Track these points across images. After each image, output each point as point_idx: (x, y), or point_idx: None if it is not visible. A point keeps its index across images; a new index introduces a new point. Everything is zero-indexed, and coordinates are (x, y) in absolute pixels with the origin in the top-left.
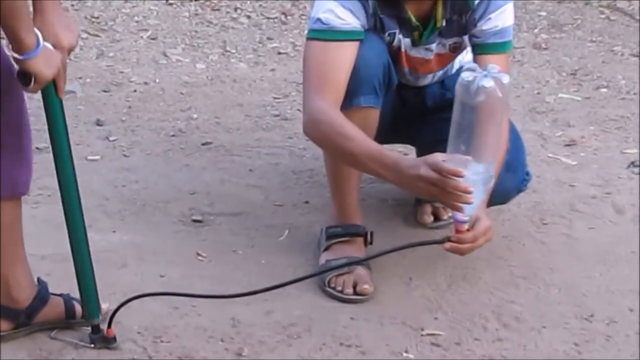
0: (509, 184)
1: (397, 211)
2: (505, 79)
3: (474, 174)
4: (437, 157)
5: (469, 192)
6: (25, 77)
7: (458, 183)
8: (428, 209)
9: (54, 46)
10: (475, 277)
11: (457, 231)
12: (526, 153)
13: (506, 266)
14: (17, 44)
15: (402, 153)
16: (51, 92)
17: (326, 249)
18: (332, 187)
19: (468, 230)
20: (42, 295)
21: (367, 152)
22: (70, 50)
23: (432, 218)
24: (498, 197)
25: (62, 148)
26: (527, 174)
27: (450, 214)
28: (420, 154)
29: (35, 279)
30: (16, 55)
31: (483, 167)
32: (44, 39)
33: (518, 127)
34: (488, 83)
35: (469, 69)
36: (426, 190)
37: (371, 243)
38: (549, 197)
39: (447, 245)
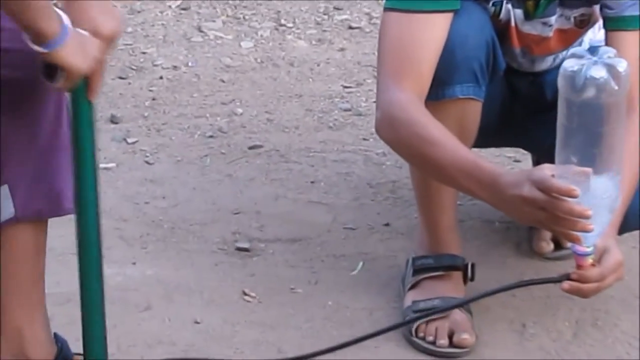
0: None
1: (507, 237)
2: (622, 65)
3: (594, 193)
4: (545, 171)
5: (587, 217)
6: (51, 71)
7: (572, 206)
8: (547, 234)
9: (91, 34)
10: (609, 323)
11: (579, 267)
12: None
13: None
14: (36, 36)
15: (513, 159)
16: (80, 92)
17: (413, 286)
18: (420, 205)
19: (593, 265)
20: (64, 356)
21: (457, 163)
22: (112, 39)
23: (552, 246)
24: (636, 220)
25: (85, 165)
26: None
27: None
28: (538, 162)
29: (52, 334)
30: (38, 48)
31: (605, 182)
32: (77, 25)
33: None
34: (599, 73)
35: (574, 55)
36: (532, 215)
37: (472, 279)
38: None
39: (566, 285)
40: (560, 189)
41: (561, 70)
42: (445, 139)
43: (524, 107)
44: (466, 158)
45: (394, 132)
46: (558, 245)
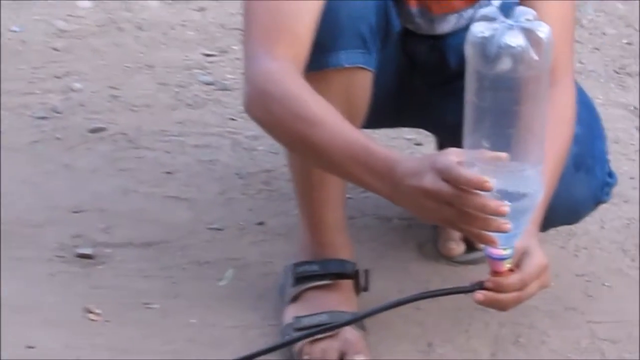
0: (580, 191)
1: (408, 236)
2: (544, 31)
3: (511, 184)
4: (451, 157)
5: (503, 214)
6: None
7: (484, 200)
8: (456, 233)
9: None
10: (534, 341)
11: (495, 273)
12: (607, 141)
13: (583, 322)
14: None
15: (413, 142)
16: None
17: (294, 298)
18: (301, 199)
19: (511, 270)
20: None
21: (344, 147)
22: None
23: (462, 247)
24: (563, 213)
25: None
26: (611, 174)
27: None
28: (442, 145)
29: None
30: None
31: (525, 170)
32: None
33: (597, 99)
34: (515, 40)
35: (484, 17)
36: (436, 212)
37: (366, 289)
38: None
39: (480, 295)
40: (469, 179)
41: (469, 36)
42: (329, 118)
43: (423, 78)
44: (355, 141)
45: (266, 110)
46: (470, 247)
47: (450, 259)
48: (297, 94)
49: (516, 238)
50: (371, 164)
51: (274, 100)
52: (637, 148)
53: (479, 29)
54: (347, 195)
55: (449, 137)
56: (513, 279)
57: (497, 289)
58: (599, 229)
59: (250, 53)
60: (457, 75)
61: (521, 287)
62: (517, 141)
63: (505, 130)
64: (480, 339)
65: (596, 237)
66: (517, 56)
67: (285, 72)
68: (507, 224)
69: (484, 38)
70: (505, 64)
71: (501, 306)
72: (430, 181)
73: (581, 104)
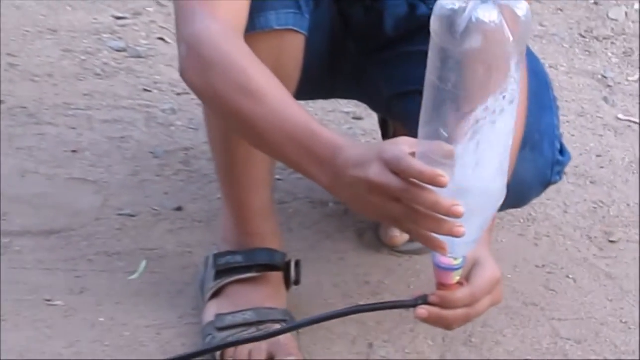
0: (525, 171)
1: (345, 223)
2: (522, 8)
3: (469, 181)
4: (402, 147)
5: (458, 215)
6: None
7: (437, 198)
8: None
9: None
10: (488, 341)
11: (441, 285)
12: (558, 113)
13: (544, 320)
14: None
15: (352, 116)
16: None
17: (216, 294)
18: (224, 181)
19: (460, 283)
20: None
21: (285, 126)
22: None
23: (406, 235)
24: (507, 195)
25: None
26: (562, 151)
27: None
28: (384, 121)
29: None
30: None
31: (487, 166)
32: None
33: (560, 67)
34: (488, 15)
35: None
36: (381, 209)
37: (297, 282)
38: (620, 195)
39: (422, 312)
40: (422, 172)
41: (436, 8)
42: (273, 91)
43: (357, 43)
44: (297, 120)
45: (204, 78)
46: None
47: (392, 249)
48: (240, 63)
49: (470, 247)
50: (312, 147)
51: (213, 67)
52: (605, 122)
53: (448, 0)
54: (277, 176)
55: (386, 111)
56: (462, 293)
57: (444, 304)
58: (562, 214)
59: (187, 12)
60: (393, 43)
61: (470, 303)
62: None
63: (468, 118)
64: (427, 340)
65: (559, 223)
66: (489, 33)
67: (228, 35)
68: (461, 227)
69: (453, 11)
70: (474, 42)
71: (446, 324)
72: (376, 172)
73: (528, 71)
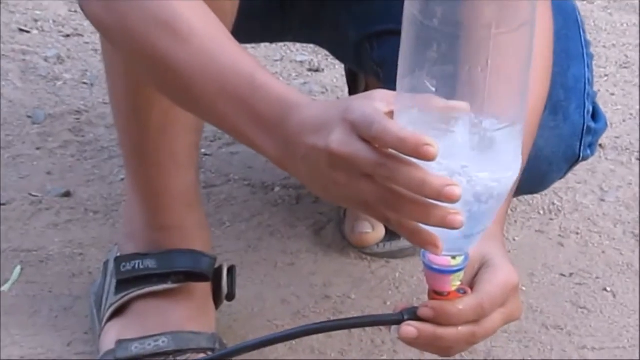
0: (545, 141)
1: (297, 215)
2: None
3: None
4: (375, 104)
5: (452, 198)
6: None
7: (423, 174)
8: (362, 216)
9: None
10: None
11: (435, 294)
12: (592, 61)
13: (572, 349)
14: None
15: (307, 67)
16: None
17: (119, 312)
18: (130, 155)
19: (457, 294)
20: None
21: (219, 77)
22: None
23: (381, 231)
24: (524, 176)
25: None
26: (596, 115)
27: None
28: (350, 72)
29: None
30: None
31: (498, 131)
32: None
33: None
34: None
35: None
36: (347, 188)
37: (230, 296)
38: None
39: (409, 330)
40: (403, 139)
41: None
42: (204, 26)
43: None
44: (236, 67)
45: (113, 7)
46: (390, 233)
47: (362, 250)
48: None
49: (473, 241)
50: (255, 105)
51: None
52: None
53: None
54: (203, 150)
55: (353, 59)
56: (465, 304)
57: (440, 319)
58: (597, 203)
59: None
60: None
61: (477, 317)
62: (482, 84)
63: (463, 66)
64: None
65: (592, 216)
66: None
67: None
68: (457, 215)
69: None
70: None
71: (443, 348)
72: (340, 140)
73: (553, 7)
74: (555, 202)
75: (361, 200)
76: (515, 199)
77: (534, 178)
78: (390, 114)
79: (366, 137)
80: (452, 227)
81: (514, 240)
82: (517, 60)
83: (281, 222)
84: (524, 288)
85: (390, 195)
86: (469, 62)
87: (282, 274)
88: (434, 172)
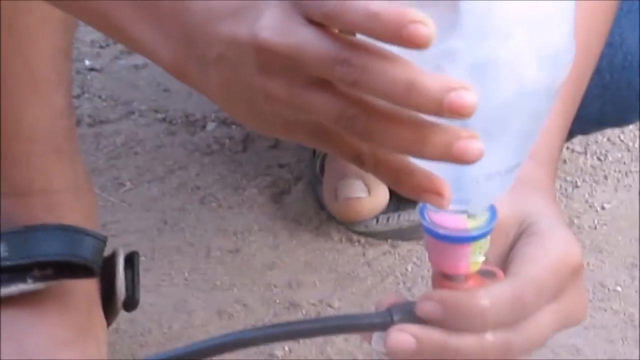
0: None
1: (243, 168)
2: None
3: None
4: None
5: (466, 111)
6: None
7: (412, 72)
8: (357, 172)
9: None
10: None
11: (443, 279)
12: None
13: None
14: None
15: None
16: None
17: None
18: None
19: (481, 278)
20: None
21: None
22: None
23: (380, 199)
24: (585, 114)
25: None
26: None
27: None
28: None
29: None
30: None
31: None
32: None
33: None
34: None
35: None
36: (286, 107)
37: (131, 303)
38: None
39: (400, 337)
40: (377, 13)
41: None
42: None
43: None
44: None
45: None
46: (397, 197)
47: (351, 226)
48: None
49: (499, 187)
50: None
51: None
52: None
53: None
54: (87, 62)
55: None
56: (494, 297)
57: (453, 321)
58: None
59: None
60: None
61: (514, 318)
62: None
63: None
64: None
65: None
66: None
67: None
68: (474, 140)
69: None
70: None
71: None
72: (275, 25)
73: None
74: (590, 180)
75: (312, 124)
76: (582, 137)
77: (622, 100)
78: None
79: (316, 17)
80: (466, 161)
81: (602, 208)
82: None
83: (217, 182)
84: (619, 288)
85: (358, 111)
86: None
87: (220, 267)
88: (428, 69)
